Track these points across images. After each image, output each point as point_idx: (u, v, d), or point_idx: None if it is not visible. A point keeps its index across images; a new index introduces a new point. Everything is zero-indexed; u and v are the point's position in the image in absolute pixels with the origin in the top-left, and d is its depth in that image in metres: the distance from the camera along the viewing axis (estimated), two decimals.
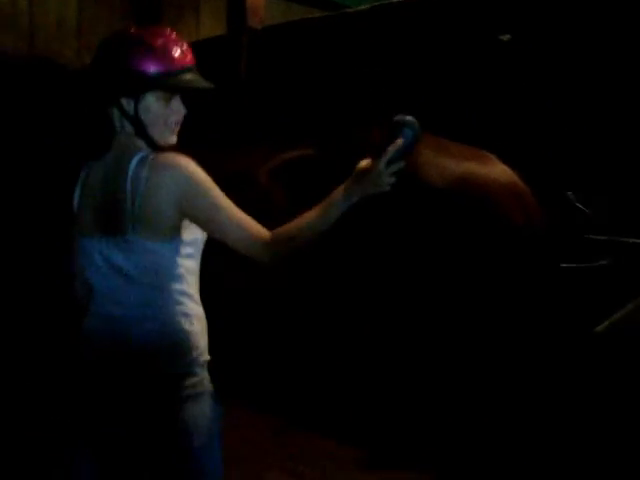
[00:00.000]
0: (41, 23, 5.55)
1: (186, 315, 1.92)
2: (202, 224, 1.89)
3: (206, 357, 1.97)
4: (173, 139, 1.97)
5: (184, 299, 1.92)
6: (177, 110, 1.95)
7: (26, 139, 5.38)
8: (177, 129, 1.97)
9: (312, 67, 4.40)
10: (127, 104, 1.90)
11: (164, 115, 1.93)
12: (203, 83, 1.96)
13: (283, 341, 4.04)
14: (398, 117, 1.82)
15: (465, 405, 2.86)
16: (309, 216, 1.88)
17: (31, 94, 5.34)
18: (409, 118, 1.81)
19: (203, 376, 1.95)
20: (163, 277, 1.89)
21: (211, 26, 6.50)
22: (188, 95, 1.96)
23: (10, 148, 5.36)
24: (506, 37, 3.57)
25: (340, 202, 1.87)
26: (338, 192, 1.88)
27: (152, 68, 1.87)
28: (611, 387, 2.90)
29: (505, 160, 2.91)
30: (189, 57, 1.93)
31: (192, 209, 1.86)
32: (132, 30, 1.95)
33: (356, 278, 2.76)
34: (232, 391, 4.04)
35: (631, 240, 3.09)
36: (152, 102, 1.90)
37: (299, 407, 4.10)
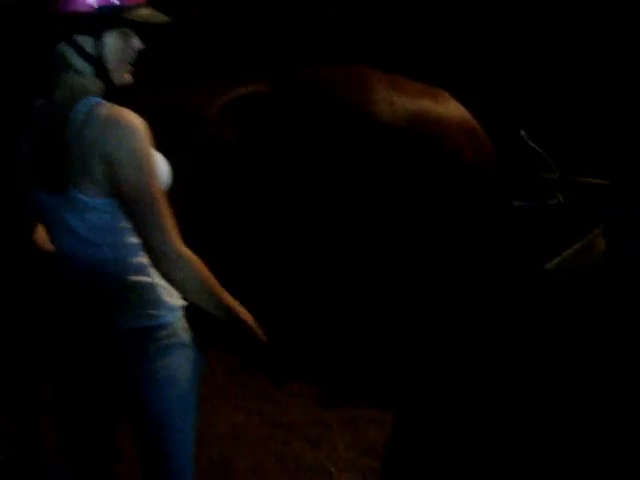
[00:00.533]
0: None
1: (146, 268, 1.84)
2: (123, 200, 1.73)
3: (177, 304, 1.91)
4: (129, 77, 1.87)
5: (135, 251, 1.82)
6: (135, 47, 1.85)
7: None
8: (131, 67, 1.87)
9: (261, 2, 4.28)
10: (85, 42, 1.77)
11: (125, 52, 1.83)
12: (163, 17, 1.86)
13: (241, 275, 4.03)
14: None
15: (421, 341, 2.91)
16: (221, 290, 1.80)
17: None
18: None
19: (176, 327, 1.90)
20: (114, 234, 1.80)
21: None
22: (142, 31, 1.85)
23: None
24: None
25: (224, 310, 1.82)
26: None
27: (114, 2, 1.76)
28: (560, 324, 2.97)
29: (458, 98, 2.90)
30: None
31: (118, 176, 1.70)
32: None
33: (314, 214, 2.74)
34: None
35: (582, 179, 3.13)
36: (113, 40, 1.79)
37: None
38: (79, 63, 1.79)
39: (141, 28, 1.85)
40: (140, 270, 1.84)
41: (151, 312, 1.86)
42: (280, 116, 2.61)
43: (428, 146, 2.48)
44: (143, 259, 1.82)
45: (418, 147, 2.45)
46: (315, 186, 2.61)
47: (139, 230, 1.74)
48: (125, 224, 1.78)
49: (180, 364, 1.90)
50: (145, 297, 1.86)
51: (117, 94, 1.84)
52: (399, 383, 3.30)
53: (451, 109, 2.73)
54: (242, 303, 1.83)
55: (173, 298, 1.90)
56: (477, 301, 2.76)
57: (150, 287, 1.86)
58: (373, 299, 3.07)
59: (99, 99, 1.76)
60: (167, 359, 1.87)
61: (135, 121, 1.71)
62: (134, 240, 1.80)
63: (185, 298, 1.90)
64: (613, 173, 3.01)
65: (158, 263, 1.74)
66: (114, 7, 1.76)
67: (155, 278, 1.85)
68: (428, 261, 2.60)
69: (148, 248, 1.75)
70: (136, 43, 1.85)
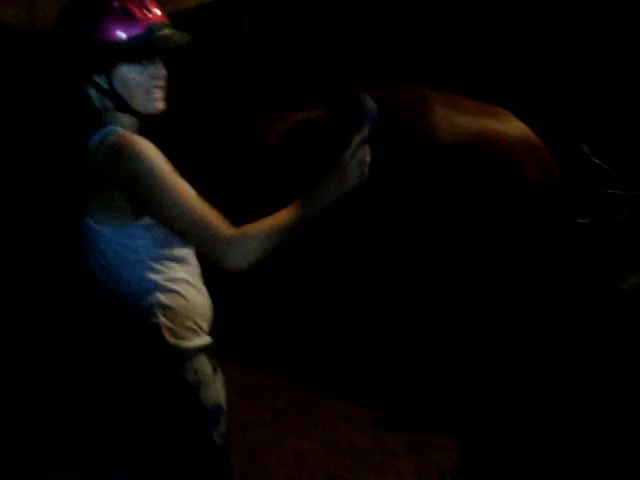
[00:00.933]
0: None
1: (150, 307, 1.75)
2: (155, 215, 1.70)
3: (181, 345, 1.79)
4: (159, 105, 1.79)
5: (146, 290, 1.75)
6: (155, 74, 1.77)
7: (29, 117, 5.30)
8: (161, 94, 1.79)
9: (318, 25, 4.30)
10: (100, 79, 1.73)
11: (143, 83, 1.75)
12: (177, 39, 1.76)
13: (298, 304, 4.03)
14: (359, 100, 1.71)
15: (487, 366, 2.84)
16: (281, 216, 1.70)
17: (32, 69, 5.26)
18: (369, 101, 1.71)
19: (181, 369, 1.79)
20: (121, 267, 1.74)
21: None
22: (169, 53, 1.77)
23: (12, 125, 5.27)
24: None
25: (313, 204, 1.72)
26: (311, 193, 1.74)
27: (116, 35, 1.68)
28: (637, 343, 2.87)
29: (519, 115, 2.85)
30: (154, 11, 1.74)
31: (144, 199, 1.66)
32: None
33: (372, 240, 2.72)
34: (249, 356, 4.08)
35: None
36: (126, 72, 1.73)
37: (315, 371, 4.10)
38: (100, 100, 1.76)
39: (162, 53, 1.77)
40: (148, 309, 1.75)
41: (155, 352, 1.77)
42: (341, 141, 2.59)
43: (491, 165, 2.44)
44: (155, 296, 1.75)
45: (481, 166, 2.41)
46: (379, 209, 2.59)
47: (185, 239, 1.72)
48: (140, 257, 1.73)
49: (185, 407, 1.79)
50: (149, 337, 1.77)
51: (160, 123, 1.79)
52: (465, 408, 3.22)
53: (512, 127, 2.69)
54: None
55: (181, 340, 1.79)
56: (548, 323, 2.69)
57: (155, 328, 1.76)
58: (436, 322, 3.02)
59: (114, 127, 1.73)
60: (172, 401, 1.77)
61: (142, 143, 1.68)
62: (150, 276, 1.74)
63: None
64: None
65: (223, 261, 1.67)
66: (124, 39, 1.69)
67: (162, 318, 1.76)
68: (495, 281, 2.54)
69: (203, 250, 1.71)
70: (155, 70, 1.76)
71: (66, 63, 1.76)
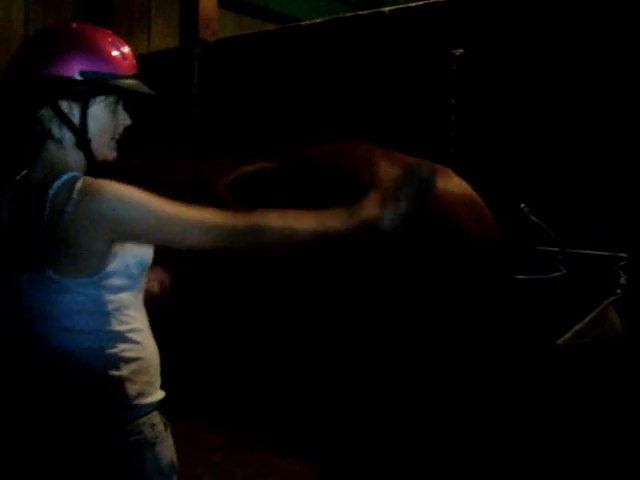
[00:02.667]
0: None
1: (119, 361, 1.71)
2: (155, 242, 1.71)
3: (141, 401, 1.75)
4: (113, 154, 1.79)
5: (110, 341, 1.70)
6: (123, 121, 1.78)
7: None
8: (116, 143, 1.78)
9: (265, 80, 4.37)
10: (69, 109, 1.68)
11: (111, 125, 1.75)
12: (148, 90, 1.77)
13: (238, 355, 3.99)
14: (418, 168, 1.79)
15: (422, 422, 2.84)
16: (304, 220, 1.74)
17: None
18: (425, 170, 1.80)
19: (142, 424, 1.74)
20: (83, 319, 1.68)
21: (163, 38, 6.43)
22: (130, 106, 1.79)
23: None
24: (459, 52, 3.60)
25: (343, 222, 1.77)
26: (343, 212, 1.79)
27: (104, 68, 1.67)
28: (576, 398, 2.92)
29: (459, 173, 2.92)
30: (135, 63, 1.76)
31: (133, 232, 1.64)
32: (77, 26, 1.72)
33: (319, 288, 2.72)
34: (186, 407, 4.00)
35: (584, 251, 3.13)
36: (100, 109, 1.71)
37: (254, 424, 4.05)
38: (59, 132, 1.70)
39: (128, 102, 1.78)
40: (112, 363, 1.70)
41: (115, 407, 1.72)
42: (287, 192, 2.62)
43: (432, 221, 2.48)
44: (119, 349, 1.70)
45: (423, 221, 2.44)
46: (321, 259, 2.60)
47: (197, 247, 1.66)
48: (105, 308, 1.68)
49: (141, 464, 1.73)
50: (110, 392, 1.71)
51: (107, 167, 1.75)
52: (408, 464, 3.22)
53: (454, 184, 2.75)
54: None
55: (142, 395, 1.75)
56: (485, 379, 2.72)
57: (118, 383, 1.71)
58: (375, 377, 3.03)
59: (76, 173, 1.67)
60: (128, 457, 1.72)
61: (112, 185, 1.63)
62: (115, 326, 1.70)
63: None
64: (615, 244, 3.01)
65: (234, 251, 1.70)
66: (103, 74, 1.68)
67: (125, 372, 1.71)
68: (434, 339, 2.57)
69: (217, 250, 1.68)
70: (124, 118, 1.77)
71: (33, 82, 1.66)
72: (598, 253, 3.09)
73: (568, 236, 3.15)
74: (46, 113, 1.69)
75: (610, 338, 2.63)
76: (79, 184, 1.62)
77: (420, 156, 2.93)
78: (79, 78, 1.65)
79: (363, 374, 3.04)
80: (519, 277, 3.02)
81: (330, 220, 1.78)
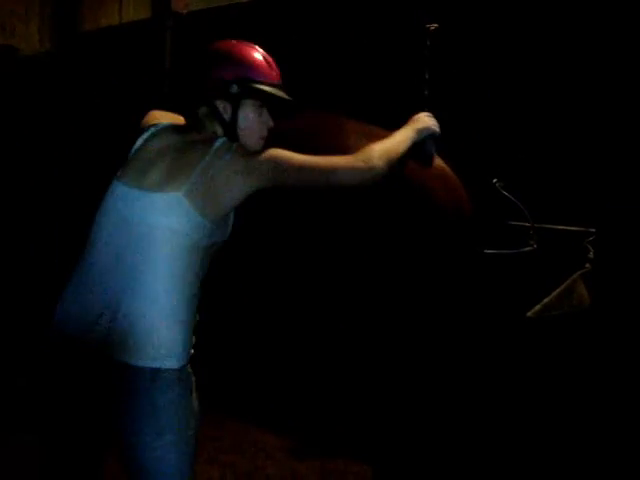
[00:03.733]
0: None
1: (178, 313, 1.87)
2: (296, 182, 2.00)
3: (189, 347, 1.93)
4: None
5: (176, 287, 1.86)
6: (267, 122, 2.10)
7: None
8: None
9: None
10: (223, 108, 2.03)
11: (259, 125, 2.08)
12: (287, 96, 2.13)
13: (210, 326, 3.98)
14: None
15: (396, 395, 2.87)
16: (395, 137, 2.27)
17: None
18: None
19: (181, 373, 1.89)
20: (169, 255, 1.85)
21: (135, 10, 6.32)
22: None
23: None
24: (433, 26, 3.59)
25: (412, 133, 2.33)
26: (406, 129, 2.36)
27: (254, 76, 2.03)
28: (545, 372, 2.97)
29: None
30: (279, 72, 2.14)
31: (283, 177, 1.96)
32: (236, 42, 2.12)
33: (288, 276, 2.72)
34: None
35: (555, 226, 3.17)
36: (250, 110, 2.05)
37: (226, 397, 4.06)
38: (213, 126, 2.04)
39: (272, 105, 2.12)
40: (178, 308, 1.86)
41: (169, 353, 1.84)
42: None
43: (402, 192, 2.48)
44: (185, 297, 1.87)
45: (395, 193, 2.45)
46: (292, 241, 2.61)
47: (335, 186, 2.03)
48: (201, 254, 1.90)
49: (182, 408, 1.88)
50: (170, 337, 1.85)
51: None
52: (376, 434, 3.25)
53: None
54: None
55: (190, 343, 1.93)
56: (456, 352, 2.74)
57: (179, 328, 1.86)
58: (343, 347, 3.05)
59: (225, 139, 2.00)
60: (171, 403, 1.84)
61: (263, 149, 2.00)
62: (189, 277, 1.88)
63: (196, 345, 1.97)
64: (585, 219, 3.04)
65: (366, 183, 2.06)
66: (253, 80, 2.03)
67: (185, 318, 1.88)
68: (401, 311, 2.58)
69: (353, 185, 2.03)
70: (268, 120, 2.10)
71: (199, 82, 2.06)
72: (568, 228, 3.13)
73: (539, 211, 3.18)
74: (203, 109, 2.06)
75: (578, 310, 2.67)
76: (236, 145, 1.99)
77: (393, 129, 2.94)
78: (233, 82, 2.01)
79: (342, 347, 3.06)
80: (490, 251, 3.05)
81: (405, 135, 2.31)
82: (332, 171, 1.98)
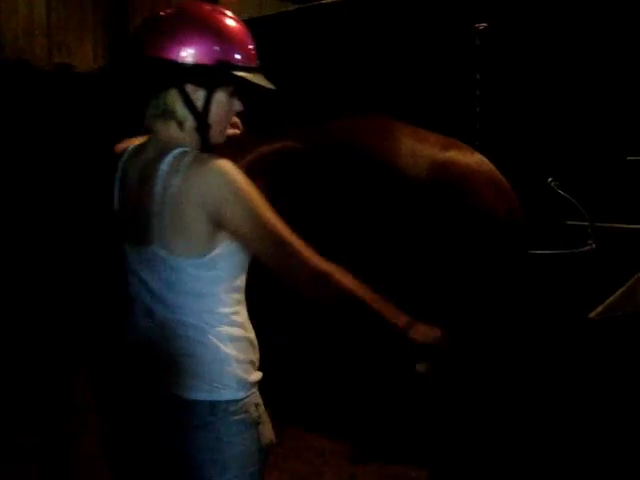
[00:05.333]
0: (9, 22, 5.44)
1: (226, 340, 1.73)
2: (239, 240, 1.67)
3: (251, 380, 1.78)
4: (224, 140, 1.81)
5: (215, 322, 1.72)
6: (236, 107, 1.79)
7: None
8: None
9: (289, 60, 4.36)
10: (194, 92, 1.68)
11: (230, 114, 1.78)
12: (271, 85, 1.78)
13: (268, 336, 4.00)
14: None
15: (454, 401, 2.84)
16: (361, 289, 1.72)
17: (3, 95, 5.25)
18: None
19: (247, 403, 1.75)
20: (196, 299, 1.69)
21: None
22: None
23: None
24: (482, 26, 3.55)
25: (380, 309, 1.74)
26: (391, 310, 1.78)
27: (237, 59, 1.69)
28: (610, 373, 2.89)
29: (482, 151, 2.89)
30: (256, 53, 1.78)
31: (227, 221, 1.62)
32: (212, 10, 1.71)
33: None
34: None
35: (612, 225, 3.10)
36: (224, 97, 1.72)
37: (284, 403, 4.07)
38: (183, 113, 1.69)
39: (247, 91, 1.76)
40: (218, 341, 1.71)
41: (222, 386, 1.72)
42: (309, 170, 2.61)
43: (456, 197, 2.45)
44: (225, 329, 1.72)
45: (443, 200, 2.42)
46: (345, 239, 2.59)
47: (268, 264, 1.66)
48: (213, 290, 1.70)
49: (247, 442, 1.74)
50: (217, 370, 1.72)
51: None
52: (431, 439, 3.22)
53: (476, 161, 2.71)
54: None
55: (247, 373, 1.77)
56: (518, 356, 2.70)
57: (225, 360, 1.72)
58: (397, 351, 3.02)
59: (187, 148, 1.68)
60: (234, 437, 1.72)
61: (224, 163, 1.63)
62: (220, 308, 1.71)
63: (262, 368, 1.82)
64: None
65: (297, 287, 1.69)
66: (236, 65, 1.68)
67: (233, 351, 1.73)
68: (458, 315, 2.55)
69: (282, 277, 1.67)
70: (238, 105, 1.78)
71: (168, 65, 1.66)
72: (627, 226, 3.05)
73: (597, 210, 3.11)
74: (173, 93, 1.68)
75: None
76: (189, 158, 1.63)
77: (446, 132, 2.92)
78: (214, 67, 1.66)
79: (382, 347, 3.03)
80: (549, 252, 2.99)
81: (374, 301, 1.75)
82: (297, 259, 1.65)
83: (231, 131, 1.96)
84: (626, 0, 3.09)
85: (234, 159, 2.83)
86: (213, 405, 1.71)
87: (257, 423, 1.77)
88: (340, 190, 2.52)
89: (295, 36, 4.30)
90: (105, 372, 2.04)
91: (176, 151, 1.66)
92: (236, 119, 2.02)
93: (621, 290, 2.62)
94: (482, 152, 2.87)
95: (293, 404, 4.05)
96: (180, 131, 1.72)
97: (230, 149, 3.00)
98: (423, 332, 1.79)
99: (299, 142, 2.74)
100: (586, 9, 3.19)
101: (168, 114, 1.71)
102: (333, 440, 3.90)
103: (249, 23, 4.86)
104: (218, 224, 1.62)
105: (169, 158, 1.65)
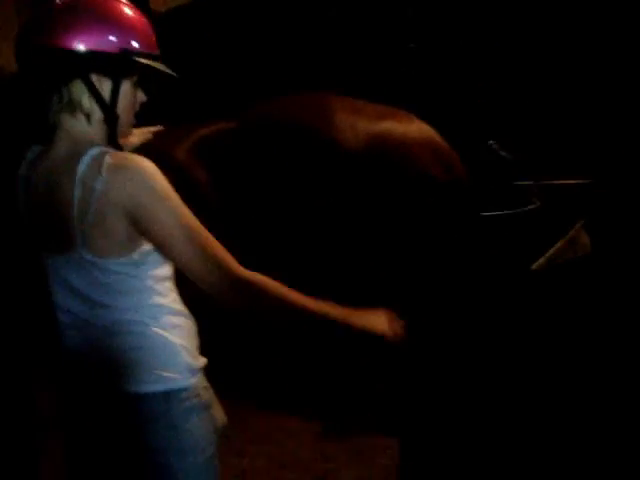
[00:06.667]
0: None
1: (168, 329, 1.72)
2: (159, 245, 1.62)
3: (195, 364, 1.78)
4: (131, 131, 1.80)
5: (156, 314, 1.70)
6: (140, 98, 1.74)
7: None
8: None
9: (218, 45, 4.34)
10: (99, 83, 1.62)
11: (135, 104, 1.73)
12: (172, 72, 1.74)
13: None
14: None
15: (416, 370, 2.88)
16: (301, 299, 1.68)
17: None
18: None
19: (198, 387, 1.77)
20: (131, 296, 1.67)
21: None
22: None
23: None
24: None
25: (342, 317, 1.72)
26: (338, 307, 1.73)
27: (141, 47, 1.64)
28: (552, 322, 2.96)
29: (422, 117, 2.91)
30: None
31: (146, 223, 1.57)
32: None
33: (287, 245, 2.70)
34: None
35: (558, 182, 3.15)
36: (129, 86, 1.67)
37: (251, 386, 4.07)
38: (89, 106, 1.64)
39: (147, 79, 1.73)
40: (163, 331, 1.71)
41: (173, 375, 1.72)
42: (247, 150, 2.60)
43: (393, 166, 2.47)
44: (167, 318, 1.71)
45: (383, 168, 2.44)
46: (286, 216, 2.60)
47: (187, 269, 1.62)
48: (147, 283, 1.67)
49: (202, 426, 1.77)
50: (167, 359, 1.72)
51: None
52: (400, 405, 3.26)
53: (414, 128, 2.73)
54: None
55: (195, 359, 1.79)
56: (464, 313, 2.75)
57: (173, 348, 1.72)
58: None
59: (103, 148, 1.62)
60: (190, 423, 1.73)
61: (144, 163, 1.59)
62: (157, 300, 1.70)
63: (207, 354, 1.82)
64: (589, 172, 3.02)
65: (219, 296, 1.63)
66: (140, 53, 1.64)
67: (178, 339, 1.73)
68: (405, 282, 2.58)
69: (204, 285, 1.62)
70: (141, 95, 1.75)
71: (68, 54, 1.58)
72: (569, 182, 3.11)
73: (539, 168, 3.16)
74: (76, 86, 1.63)
75: (582, 258, 2.67)
76: (108, 159, 1.57)
77: (383, 102, 2.93)
78: (118, 55, 1.61)
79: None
80: (496, 213, 3.04)
81: (329, 309, 1.73)
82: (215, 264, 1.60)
83: (153, 128, 1.93)
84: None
85: (173, 147, 2.84)
86: (167, 395, 1.71)
87: (209, 406, 1.79)
88: (278, 168, 2.52)
89: (225, 19, 4.28)
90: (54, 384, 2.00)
91: (93, 151, 1.60)
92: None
93: (561, 241, 2.69)
94: (422, 119, 2.90)
95: (255, 386, 4.06)
96: (88, 125, 1.66)
97: (166, 139, 3.00)
98: (383, 323, 1.80)
99: (235, 123, 2.73)
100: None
101: (74, 107, 1.65)
102: (303, 419, 3.92)
103: (178, 10, 4.83)
104: (138, 226, 1.59)
105: (87, 158, 1.59)
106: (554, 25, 3.18)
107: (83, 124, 1.66)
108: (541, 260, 2.66)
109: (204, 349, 1.86)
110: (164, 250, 1.63)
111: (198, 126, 2.80)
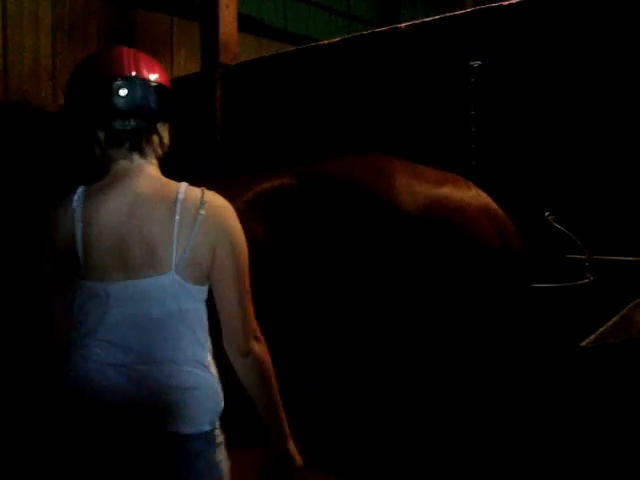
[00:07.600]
0: (14, 63, 5.52)
1: (213, 371, 1.83)
2: (219, 278, 1.78)
3: (222, 406, 1.89)
4: None
5: (207, 355, 1.81)
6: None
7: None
8: None
9: (286, 100, 4.43)
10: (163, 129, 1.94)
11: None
12: None
13: None
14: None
15: (452, 433, 2.83)
16: (278, 396, 1.87)
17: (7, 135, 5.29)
18: None
19: (218, 426, 1.88)
20: (189, 324, 1.76)
21: (186, 64, 6.54)
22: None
23: None
24: (476, 63, 3.62)
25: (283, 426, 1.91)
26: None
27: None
28: (602, 399, 2.89)
29: (479, 184, 2.92)
30: None
31: (221, 260, 1.76)
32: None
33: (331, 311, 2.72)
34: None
35: (611, 257, 3.11)
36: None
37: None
38: (154, 151, 1.90)
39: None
40: (213, 369, 1.83)
41: (216, 414, 1.84)
42: (305, 206, 2.65)
43: (450, 231, 2.48)
44: (210, 358, 1.82)
45: (440, 234, 2.45)
46: (340, 274, 2.61)
47: (224, 309, 1.78)
48: (203, 319, 1.80)
49: (225, 461, 1.88)
50: (217, 400, 1.83)
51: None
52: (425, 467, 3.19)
53: (472, 195, 2.75)
54: None
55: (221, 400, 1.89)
56: (511, 389, 2.70)
57: (219, 388, 1.85)
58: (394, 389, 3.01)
59: (186, 184, 1.82)
60: (220, 459, 1.84)
61: (230, 206, 1.85)
62: (208, 342, 1.81)
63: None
64: None
65: (229, 343, 1.80)
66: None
67: (215, 371, 1.85)
68: (454, 348, 2.56)
69: (228, 328, 1.79)
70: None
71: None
72: (625, 259, 3.06)
73: (595, 243, 3.13)
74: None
75: (636, 338, 2.61)
76: (204, 193, 1.79)
77: (442, 168, 2.96)
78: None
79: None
80: (546, 285, 3.00)
81: (285, 421, 1.93)
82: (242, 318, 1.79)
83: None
84: (618, 39, 3.15)
85: (233, 198, 2.89)
86: (207, 434, 1.79)
87: (224, 445, 1.89)
88: (336, 227, 2.55)
89: (294, 77, 4.38)
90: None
91: (185, 185, 1.80)
92: None
93: (614, 319, 2.64)
94: (479, 187, 2.91)
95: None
96: (152, 161, 1.88)
97: (228, 189, 3.06)
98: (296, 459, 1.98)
99: (296, 179, 2.78)
100: (580, 46, 3.25)
101: (158, 144, 1.89)
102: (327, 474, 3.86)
103: (248, 65, 4.96)
104: (216, 257, 1.76)
105: (182, 189, 1.77)
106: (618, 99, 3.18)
107: (152, 161, 1.87)
108: (591, 337, 2.61)
109: None
110: (220, 288, 1.79)
111: (259, 179, 2.87)
